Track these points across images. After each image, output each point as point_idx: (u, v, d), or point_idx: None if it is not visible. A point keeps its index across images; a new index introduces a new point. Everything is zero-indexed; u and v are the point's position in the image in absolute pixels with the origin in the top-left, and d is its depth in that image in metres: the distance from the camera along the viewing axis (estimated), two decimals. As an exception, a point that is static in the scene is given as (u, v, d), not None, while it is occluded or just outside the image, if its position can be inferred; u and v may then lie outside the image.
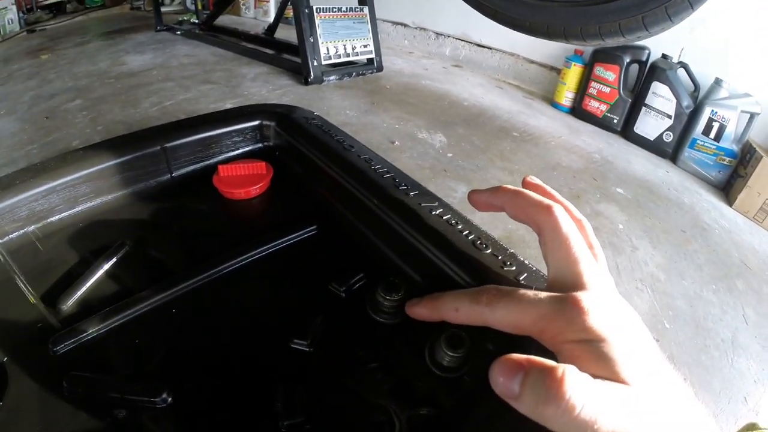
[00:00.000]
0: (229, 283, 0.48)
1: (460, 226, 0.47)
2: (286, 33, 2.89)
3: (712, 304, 1.25)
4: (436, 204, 0.51)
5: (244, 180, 0.62)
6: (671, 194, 1.79)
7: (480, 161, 1.77)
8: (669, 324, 1.15)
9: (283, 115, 0.71)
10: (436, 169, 1.67)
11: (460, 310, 0.36)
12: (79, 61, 2.57)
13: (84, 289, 0.46)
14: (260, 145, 0.72)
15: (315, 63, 2.28)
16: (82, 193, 0.56)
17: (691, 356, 1.07)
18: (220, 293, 0.47)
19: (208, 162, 0.67)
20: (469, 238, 0.46)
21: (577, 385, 0.23)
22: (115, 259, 0.49)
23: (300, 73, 2.31)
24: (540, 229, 0.35)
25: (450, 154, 1.79)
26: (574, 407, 0.23)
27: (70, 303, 0.44)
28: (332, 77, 2.36)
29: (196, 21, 3.35)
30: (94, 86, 2.17)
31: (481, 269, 0.42)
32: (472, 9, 1.48)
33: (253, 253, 0.51)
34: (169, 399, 0.37)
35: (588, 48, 2.29)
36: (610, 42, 1.31)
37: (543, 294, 0.31)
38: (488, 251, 0.44)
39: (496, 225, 1.31)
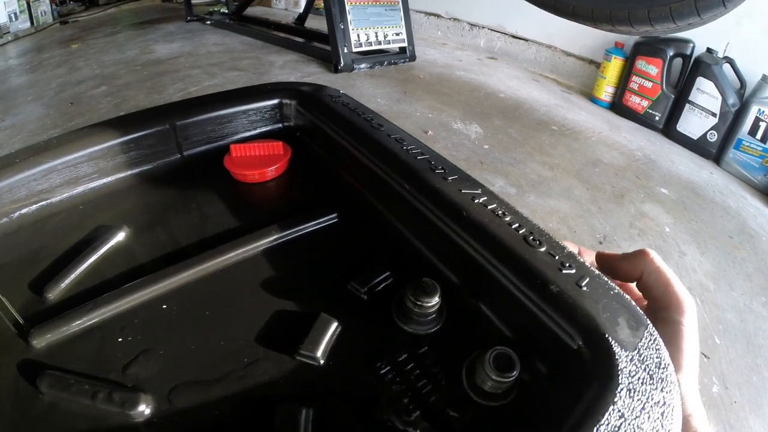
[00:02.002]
0: (232, 277, 0.43)
1: (508, 218, 0.39)
2: (317, 23, 2.85)
3: (763, 318, 1.16)
4: (479, 191, 0.43)
5: (258, 161, 0.57)
6: (717, 197, 1.69)
7: (518, 154, 1.69)
8: (719, 339, 1.06)
9: (306, 93, 0.65)
10: (471, 161, 1.60)
11: None
12: (108, 50, 2.60)
13: (72, 277, 0.42)
14: (280, 125, 0.66)
15: (345, 50, 2.22)
16: (84, 173, 0.53)
17: (741, 376, 0.99)
18: (220, 288, 0.42)
19: (222, 142, 0.62)
20: (520, 232, 0.37)
21: None
22: (107, 247, 0.46)
23: (330, 61, 2.25)
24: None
25: (486, 146, 1.72)
26: None
27: (57, 292, 0.41)
28: (363, 65, 2.30)
29: (227, 11, 3.35)
30: (121, 73, 2.18)
31: (534, 271, 0.34)
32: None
33: (262, 242, 0.45)
34: (147, 412, 0.32)
35: (632, 38, 2.17)
36: (660, 29, 1.22)
37: None
38: (543, 249, 0.36)
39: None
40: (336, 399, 0.33)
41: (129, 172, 0.56)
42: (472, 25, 3.04)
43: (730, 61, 1.92)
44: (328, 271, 0.44)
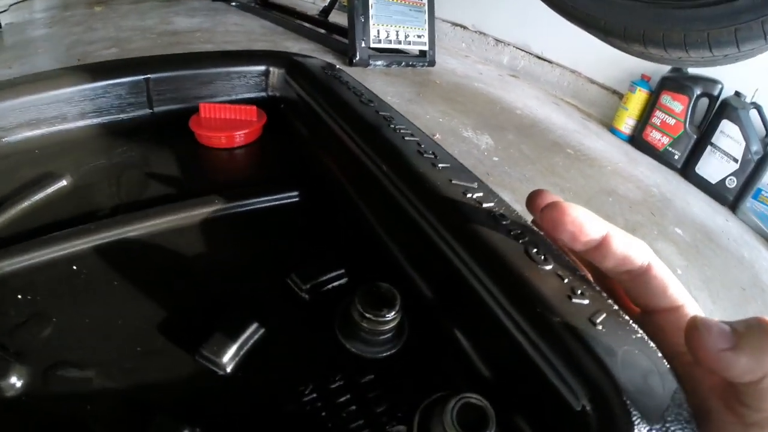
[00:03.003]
0: (157, 246, 0.37)
1: (507, 222, 0.30)
2: (342, 19, 2.81)
3: (774, 379, 1.08)
4: (475, 185, 0.34)
5: (227, 124, 0.51)
6: (731, 245, 1.63)
7: (528, 171, 1.63)
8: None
9: (297, 63, 0.59)
10: (478, 171, 1.51)
11: None
12: (129, 16, 2.61)
13: (-1, 221, 0.38)
14: (263, 94, 0.60)
15: (363, 44, 2.15)
16: (47, 116, 0.50)
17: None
18: (140, 257, 0.36)
19: (197, 104, 0.56)
20: (521, 241, 0.29)
21: None
22: (42, 195, 0.42)
23: (346, 54, 2.19)
24: None
25: (496, 158, 1.66)
26: None
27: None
28: (379, 62, 2.23)
29: (254, -5, 3.33)
30: (134, 39, 2.17)
31: (534, 296, 0.25)
32: (542, 2, 1.32)
33: (201, 211, 0.38)
34: (18, 385, 0.27)
35: (659, 72, 2.10)
36: (694, 56, 1.14)
37: None
38: (548, 267, 0.27)
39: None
40: (234, 422, 0.25)
41: (93, 121, 0.52)
42: (498, 40, 2.97)
43: (758, 108, 1.85)
44: (271, 256, 0.36)
